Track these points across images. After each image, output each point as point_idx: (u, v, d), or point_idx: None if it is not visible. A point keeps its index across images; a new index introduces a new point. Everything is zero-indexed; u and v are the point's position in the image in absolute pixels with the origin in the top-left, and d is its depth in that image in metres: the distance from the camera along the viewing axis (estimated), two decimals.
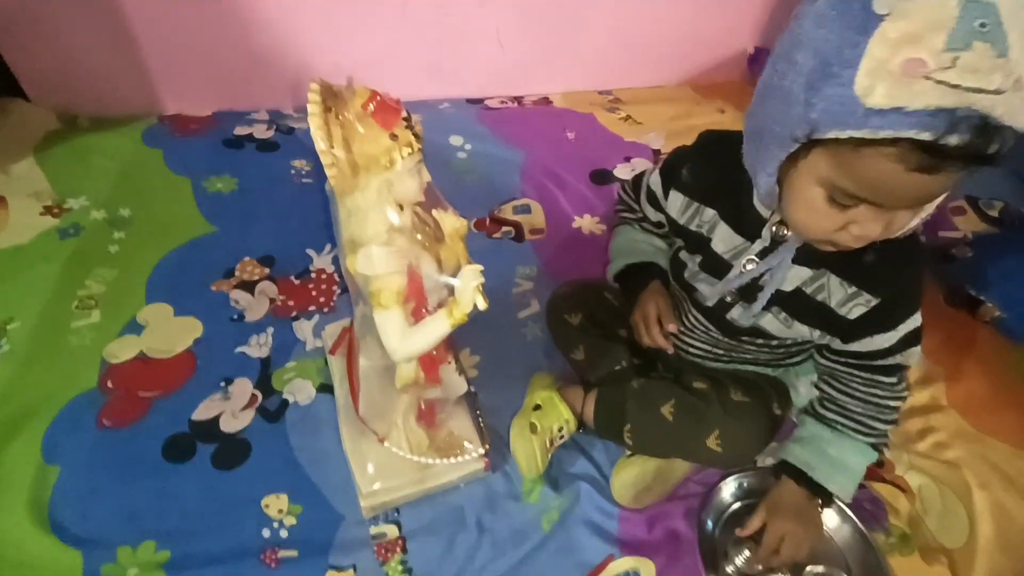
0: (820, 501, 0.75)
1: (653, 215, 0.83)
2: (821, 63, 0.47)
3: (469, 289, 0.57)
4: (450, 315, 0.58)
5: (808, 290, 0.68)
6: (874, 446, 0.74)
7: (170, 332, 0.97)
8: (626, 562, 0.80)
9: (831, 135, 0.48)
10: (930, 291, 1.16)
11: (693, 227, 0.74)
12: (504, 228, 1.22)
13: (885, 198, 0.51)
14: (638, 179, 0.86)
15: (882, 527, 0.85)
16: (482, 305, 0.56)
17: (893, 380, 0.72)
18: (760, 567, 0.77)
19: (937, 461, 0.92)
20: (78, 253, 1.06)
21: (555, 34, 1.51)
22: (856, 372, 0.72)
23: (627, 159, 1.42)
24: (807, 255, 0.64)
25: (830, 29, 0.46)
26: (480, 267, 0.57)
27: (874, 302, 0.66)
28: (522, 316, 1.07)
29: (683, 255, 0.78)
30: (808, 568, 0.79)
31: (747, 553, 0.80)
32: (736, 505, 0.86)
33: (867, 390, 0.72)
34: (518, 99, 1.58)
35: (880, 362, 0.71)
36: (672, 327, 0.80)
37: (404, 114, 0.54)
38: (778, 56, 0.52)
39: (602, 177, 1.37)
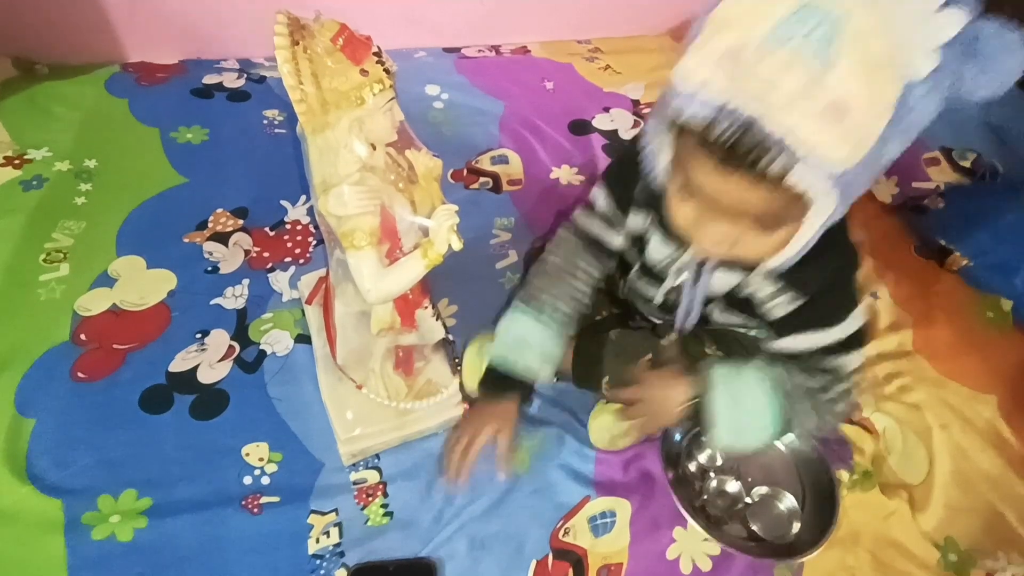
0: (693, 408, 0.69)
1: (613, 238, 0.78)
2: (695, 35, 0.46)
3: (443, 229, 0.56)
4: (425, 255, 0.58)
5: (735, 285, 0.67)
6: (784, 431, 0.67)
7: (143, 284, 0.95)
8: (602, 503, 0.82)
9: (671, 111, 0.47)
10: (901, 241, 1.18)
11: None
12: (482, 179, 1.21)
13: (699, 193, 0.50)
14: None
15: (846, 465, 0.88)
16: (456, 245, 0.56)
17: (830, 378, 0.66)
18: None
19: (901, 404, 0.95)
20: (43, 205, 1.03)
21: None
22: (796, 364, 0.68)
23: (606, 109, 1.40)
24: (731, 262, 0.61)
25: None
26: (455, 207, 0.57)
27: (800, 300, 0.63)
28: (500, 267, 1.07)
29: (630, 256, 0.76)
30: (755, 488, 0.83)
31: (709, 451, 0.85)
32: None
33: (805, 376, 0.67)
34: (496, 48, 1.54)
35: (818, 363, 0.66)
36: (505, 449, 0.73)
37: (375, 49, 0.52)
38: None
39: (581, 128, 1.35)
